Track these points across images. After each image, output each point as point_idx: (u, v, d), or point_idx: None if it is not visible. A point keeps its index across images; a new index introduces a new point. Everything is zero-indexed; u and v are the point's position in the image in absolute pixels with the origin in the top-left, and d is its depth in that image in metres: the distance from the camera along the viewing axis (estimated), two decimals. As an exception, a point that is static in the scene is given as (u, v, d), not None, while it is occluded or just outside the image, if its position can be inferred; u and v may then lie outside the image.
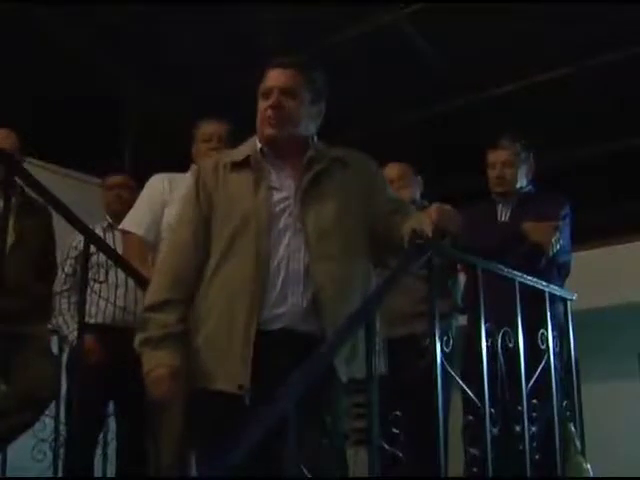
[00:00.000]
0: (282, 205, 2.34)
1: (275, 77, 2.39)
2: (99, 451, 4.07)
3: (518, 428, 2.65)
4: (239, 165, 2.40)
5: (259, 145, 2.42)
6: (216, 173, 2.40)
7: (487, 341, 2.60)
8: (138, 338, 2.31)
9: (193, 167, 3.56)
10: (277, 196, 2.35)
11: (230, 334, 2.23)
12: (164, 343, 2.26)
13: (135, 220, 3.51)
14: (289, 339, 2.23)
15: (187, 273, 2.34)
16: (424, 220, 2.24)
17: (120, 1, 6.03)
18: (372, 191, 2.45)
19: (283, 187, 2.37)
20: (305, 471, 1.85)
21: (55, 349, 3.92)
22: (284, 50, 2.53)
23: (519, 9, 5.77)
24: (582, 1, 5.55)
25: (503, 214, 3.89)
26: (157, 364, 2.24)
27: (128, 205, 3.73)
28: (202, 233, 2.36)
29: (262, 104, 2.40)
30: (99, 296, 3.86)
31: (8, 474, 3.91)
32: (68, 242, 3.95)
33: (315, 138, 2.48)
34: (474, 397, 2.47)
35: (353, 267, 2.34)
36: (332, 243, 2.30)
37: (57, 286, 3.85)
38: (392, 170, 4.09)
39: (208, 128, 3.57)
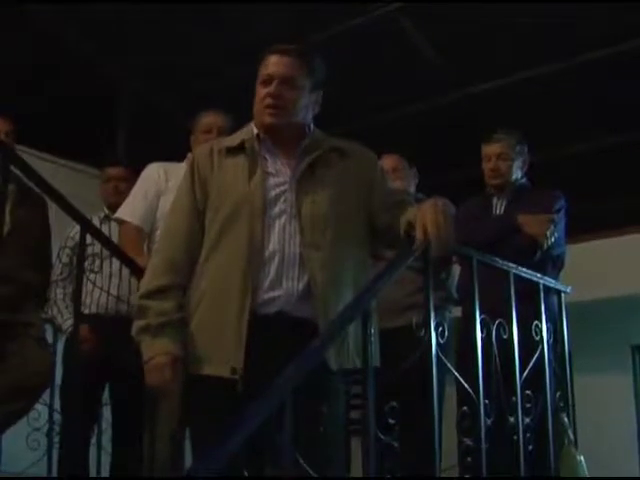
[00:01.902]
0: (277, 190, 2.33)
1: (275, 64, 2.36)
2: (94, 440, 4.08)
3: (512, 419, 2.67)
4: (234, 150, 2.39)
5: (255, 131, 2.40)
6: (211, 159, 2.39)
7: (482, 332, 2.61)
8: (136, 326, 2.29)
9: (189, 156, 3.55)
10: (272, 181, 2.33)
11: (223, 318, 2.22)
12: (163, 331, 2.24)
13: (130, 209, 3.51)
14: (284, 323, 2.22)
15: (182, 260, 2.33)
16: (419, 227, 2.23)
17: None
18: (373, 183, 2.45)
19: (278, 173, 2.36)
20: (301, 461, 1.85)
21: (49, 338, 3.92)
22: (280, 42, 2.50)
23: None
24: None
25: (498, 207, 3.90)
26: (157, 352, 2.22)
27: (125, 197, 3.73)
28: (197, 220, 2.35)
29: (261, 90, 2.37)
30: (94, 286, 3.86)
31: (2, 463, 3.92)
32: (65, 232, 3.96)
33: (312, 126, 2.46)
34: (468, 388, 2.49)
35: (346, 256, 2.33)
36: (326, 231, 2.29)
37: (53, 275, 3.85)
38: (387, 161, 4.09)
39: (208, 119, 3.54)
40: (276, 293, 2.24)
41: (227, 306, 2.23)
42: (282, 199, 2.32)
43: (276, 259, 2.25)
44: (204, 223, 2.34)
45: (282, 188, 2.33)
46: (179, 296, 2.30)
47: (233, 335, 2.20)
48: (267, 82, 2.35)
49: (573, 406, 3.21)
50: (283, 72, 2.34)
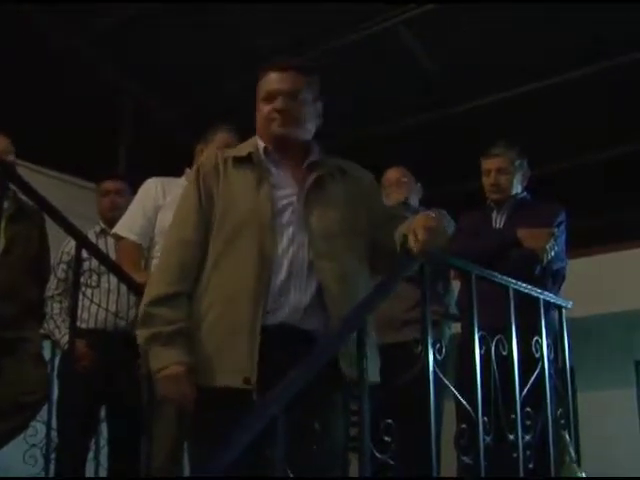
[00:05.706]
0: (285, 202, 2.34)
1: (277, 81, 2.39)
2: (91, 456, 4.05)
3: (512, 436, 2.63)
4: (240, 161, 2.39)
5: (261, 144, 2.42)
6: (216, 168, 2.39)
7: (481, 349, 2.58)
8: (144, 333, 2.24)
9: (187, 172, 3.52)
10: (280, 193, 2.35)
11: (233, 328, 2.19)
12: (175, 339, 2.20)
13: (128, 225, 3.48)
14: (290, 336, 2.20)
15: (190, 269, 2.30)
16: (410, 235, 2.24)
17: (119, 2, 6.04)
18: (369, 200, 2.48)
19: (284, 185, 2.37)
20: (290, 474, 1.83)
21: (47, 354, 3.90)
22: (282, 55, 2.51)
23: (518, 15, 5.78)
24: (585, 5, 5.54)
25: (498, 221, 3.89)
26: (169, 362, 2.18)
27: (122, 211, 3.71)
28: (204, 229, 2.33)
29: (265, 107, 2.40)
30: (91, 301, 3.83)
31: (-1, 480, 3.89)
32: (61, 247, 3.94)
33: (314, 143, 2.48)
34: (467, 405, 2.46)
35: (356, 267, 2.35)
36: (336, 243, 2.30)
37: (49, 291, 3.84)
38: (393, 173, 4.18)
39: (226, 136, 3.44)
40: (283, 303, 2.23)
41: (237, 316, 2.20)
42: (290, 210, 2.33)
43: (285, 268, 2.25)
44: (210, 233, 2.33)
45: (289, 200, 2.35)
46: (188, 304, 2.27)
47: (245, 344, 2.16)
48: (270, 98, 2.39)
49: (576, 422, 3.18)
50: (287, 87, 2.38)
